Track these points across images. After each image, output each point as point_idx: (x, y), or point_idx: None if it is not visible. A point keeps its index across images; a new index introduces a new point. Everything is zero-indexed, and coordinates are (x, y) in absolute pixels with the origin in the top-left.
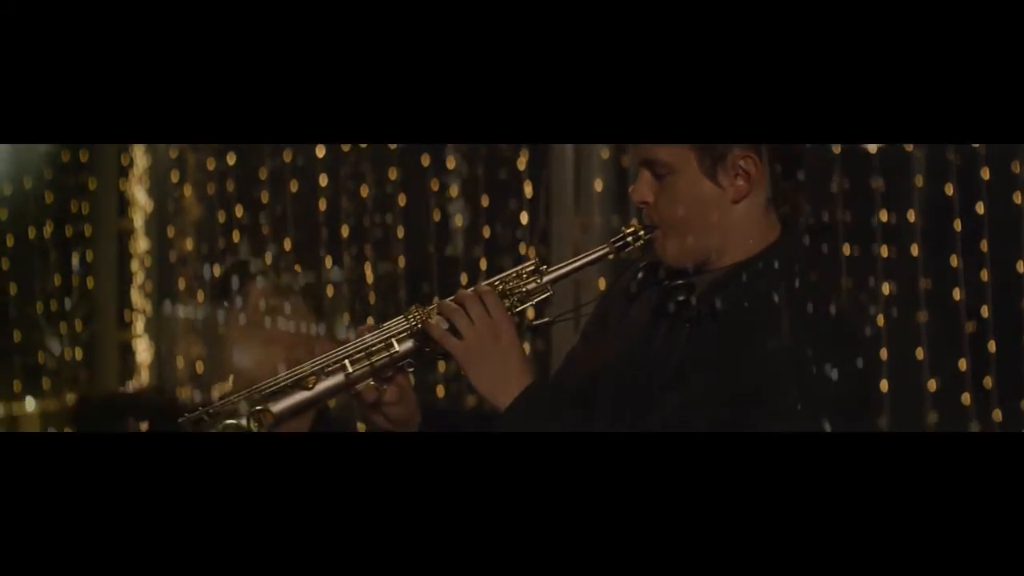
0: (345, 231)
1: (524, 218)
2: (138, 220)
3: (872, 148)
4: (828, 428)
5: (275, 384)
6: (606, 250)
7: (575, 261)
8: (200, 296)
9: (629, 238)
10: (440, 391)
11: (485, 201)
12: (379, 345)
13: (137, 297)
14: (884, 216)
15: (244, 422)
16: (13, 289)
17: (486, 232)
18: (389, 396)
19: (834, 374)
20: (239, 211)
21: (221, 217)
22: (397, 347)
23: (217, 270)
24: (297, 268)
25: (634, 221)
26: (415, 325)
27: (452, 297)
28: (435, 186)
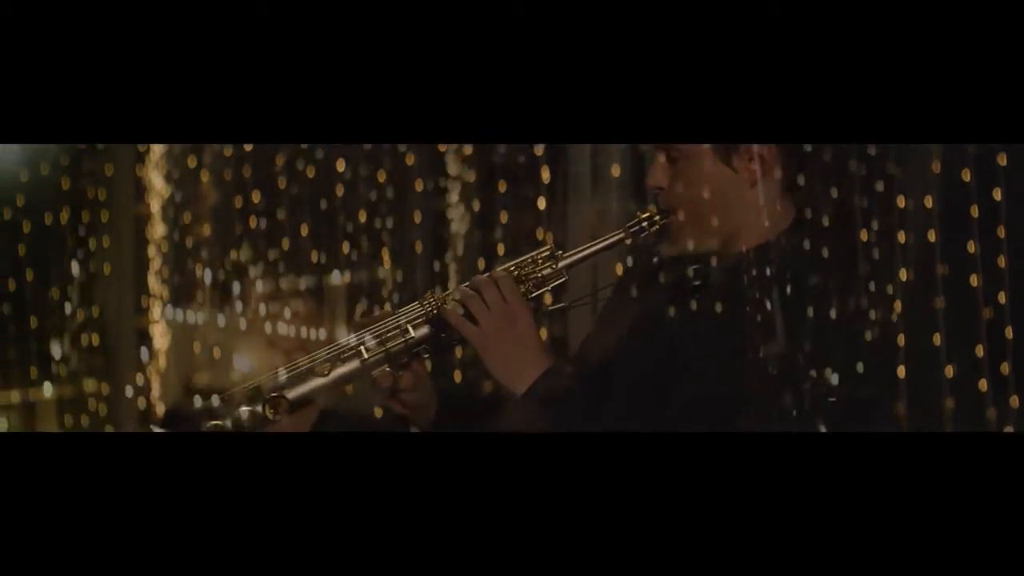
0: (363, 216)
1: (542, 203)
2: (155, 206)
3: None
4: (826, 425)
5: (290, 371)
6: (622, 235)
7: (591, 246)
8: (217, 282)
9: (644, 223)
10: (457, 376)
11: (502, 186)
12: (394, 331)
13: (154, 283)
14: (901, 202)
15: (260, 408)
16: (29, 275)
17: (503, 217)
18: (405, 382)
19: (846, 362)
20: (256, 196)
21: (238, 203)
22: (413, 333)
23: (234, 256)
24: (313, 255)
25: (650, 206)
26: (431, 311)
27: (468, 283)
28: (452, 171)
